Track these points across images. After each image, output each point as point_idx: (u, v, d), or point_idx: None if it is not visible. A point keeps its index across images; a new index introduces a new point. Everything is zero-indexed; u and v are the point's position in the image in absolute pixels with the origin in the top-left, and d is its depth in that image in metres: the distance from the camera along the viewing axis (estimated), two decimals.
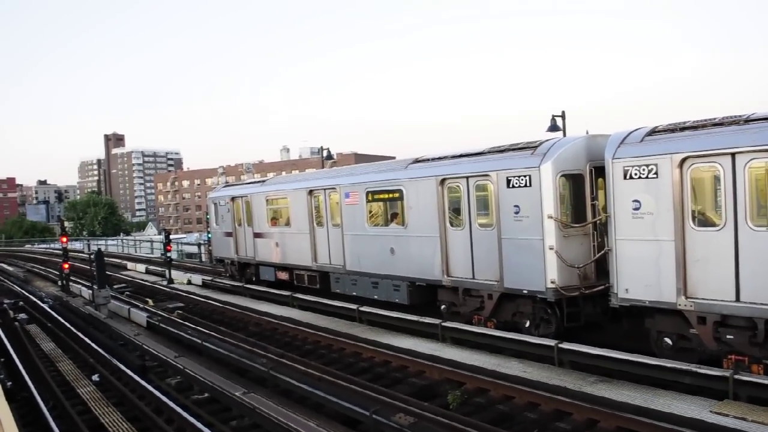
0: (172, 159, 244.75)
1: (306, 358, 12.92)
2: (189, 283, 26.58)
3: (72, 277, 27.90)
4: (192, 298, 22.17)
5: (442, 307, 14.96)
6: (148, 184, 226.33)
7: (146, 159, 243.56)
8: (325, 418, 9.77)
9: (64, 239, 28.17)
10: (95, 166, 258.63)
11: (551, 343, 11.27)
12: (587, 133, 13.19)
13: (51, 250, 54.99)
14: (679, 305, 10.07)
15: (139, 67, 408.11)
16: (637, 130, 11.03)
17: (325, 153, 41.18)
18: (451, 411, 9.43)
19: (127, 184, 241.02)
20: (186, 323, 17.36)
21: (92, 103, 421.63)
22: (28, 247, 74.26)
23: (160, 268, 30.62)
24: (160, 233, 76.27)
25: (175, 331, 16.44)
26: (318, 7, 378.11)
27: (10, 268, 40.51)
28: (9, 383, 11.87)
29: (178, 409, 10.01)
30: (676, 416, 8.20)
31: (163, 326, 17.19)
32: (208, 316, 19.20)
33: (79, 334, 16.63)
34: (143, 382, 11.74)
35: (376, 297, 16.83)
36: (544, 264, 12.06)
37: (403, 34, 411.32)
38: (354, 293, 17.78)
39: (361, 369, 12.43)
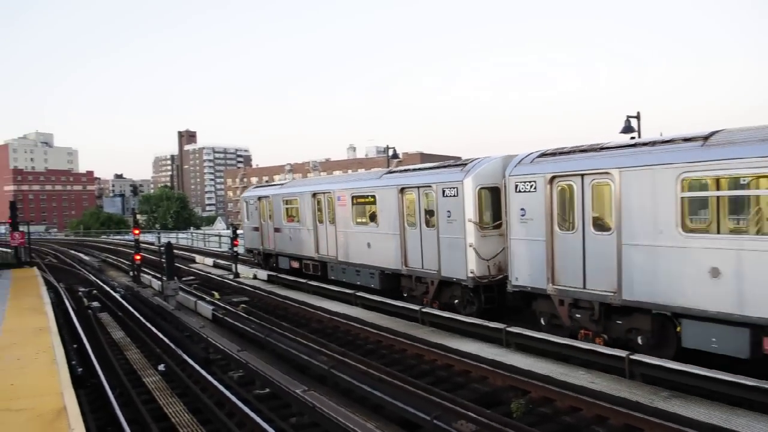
0: (241, 156, 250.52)
1: (367, 358, 12.83)
2: (255, 278, 26.97)
3: (143, 268, 28.81)
4: (257, 292, 22.53)
5: (403, 291, 18.23)
6: (218, 180, 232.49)
7: (217, 155, 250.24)
8: (384, 420, 9.65)
9: (137, 231, 29.16)
10: (168, 162, 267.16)
11: (622, 354, 10.75)
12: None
13: (125, 242, 57.09)
14: (548, 291, 12.97)
15: (212, 66, 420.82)
16: (531, 153, 13.67)
17: (390, 152, 41.24)
18: (515, 420, 9.11)
19: (198, 179, 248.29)
20: (250, 317, 17.60)
21: (167, 100, 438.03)
22: (103, 237, 77.49)
23: (227, 262, 31.25)
24: (228, 228, 78.00)
25: (239, 324, 16.68)
26: (392, 7, 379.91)
27: (87, 258, 42.27)
28: (80, 369, 12.22)
29: (240, 404, 10.05)
30: None
31: (228, 319, 17.48)
32: (272, 311, 19.43)
33: (148, 324, 17.08)
34: (206, 375, 11.89)
35: (359, 282, 20.26)
36: (466, 257, 15.13)
37: (471, 34, 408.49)
38: (344, 279, 21.28)
39: (422, 371, 12.24)
